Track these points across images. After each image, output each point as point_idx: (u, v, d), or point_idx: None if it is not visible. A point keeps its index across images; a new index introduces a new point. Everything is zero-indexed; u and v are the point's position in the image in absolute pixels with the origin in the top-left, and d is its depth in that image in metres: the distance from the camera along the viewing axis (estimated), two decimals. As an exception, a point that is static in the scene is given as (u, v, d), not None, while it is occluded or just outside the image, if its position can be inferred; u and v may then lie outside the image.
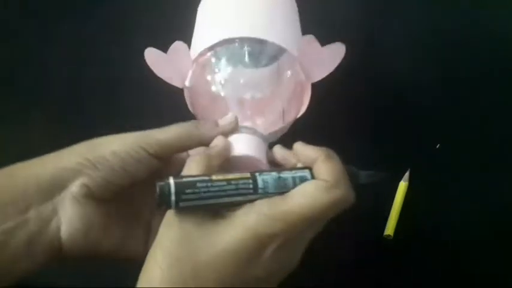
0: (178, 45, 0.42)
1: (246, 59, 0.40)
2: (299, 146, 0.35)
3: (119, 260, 0.37)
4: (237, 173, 0.31)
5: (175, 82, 0.42)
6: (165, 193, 0.29)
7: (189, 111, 0.42)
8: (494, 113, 0.52)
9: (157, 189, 0.29)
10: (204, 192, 0.30)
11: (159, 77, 0.42)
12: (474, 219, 0.48)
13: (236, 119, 0.38)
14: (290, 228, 0.30)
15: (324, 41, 0.42)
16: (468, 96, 0.52)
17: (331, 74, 0.42)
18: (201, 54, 0.41)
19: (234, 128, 0.37)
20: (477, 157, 0.50)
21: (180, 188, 0.29)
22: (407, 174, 0.49)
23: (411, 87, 0.52)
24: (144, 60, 0.42)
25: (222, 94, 0.40)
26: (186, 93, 0.43)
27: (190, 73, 0.42)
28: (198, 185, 0.30)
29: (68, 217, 0.34)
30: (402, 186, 0.49)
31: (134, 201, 0.39)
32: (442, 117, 0.52)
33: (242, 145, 0.36)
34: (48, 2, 0.56)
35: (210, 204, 0.30)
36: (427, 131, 0.51)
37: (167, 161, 0.38)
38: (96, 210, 0.35)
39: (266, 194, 0.31)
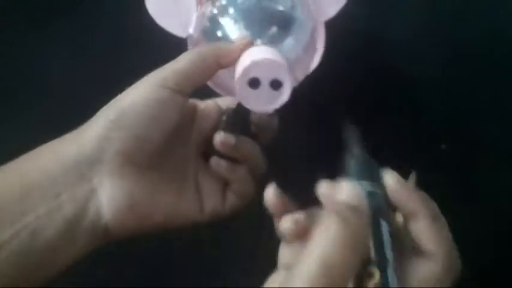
0: None
1: None
2: (394, 185, 0.31)
3: (172, 228, 0.35)
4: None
5: (178, 31, 0.40)
6: None
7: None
8: (499, 112, 0.52)
9: None
10: None
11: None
12: (480, 220, 0.48)
13: (249, 36, 0.36)
14: None
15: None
16: (473, 96, 0.52)
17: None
18: None
19: (249, 42, 0.36)
20: (482, 157, 0.50)
21: None
22: (412, 175, 0.49)
23: (415, 87, 0.52)
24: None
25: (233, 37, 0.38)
26: (190, 46, 0.40)
27: (194, 17, 0.40)
28: None
29: (108, 194, 0.32)
30: (407, 188, 0.48)
31: (177, 159, 0.36)
32: (447, 118, 0.51)
33: (260, 52, 0.34)
34: (48, 1, 0.56)
35: None
36: (431, 132, 0.51)
37: (195, 109, 0.37)
38: (138, 180, 0.33)
39: None
